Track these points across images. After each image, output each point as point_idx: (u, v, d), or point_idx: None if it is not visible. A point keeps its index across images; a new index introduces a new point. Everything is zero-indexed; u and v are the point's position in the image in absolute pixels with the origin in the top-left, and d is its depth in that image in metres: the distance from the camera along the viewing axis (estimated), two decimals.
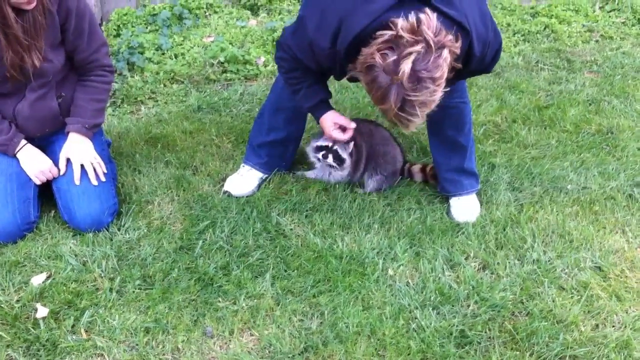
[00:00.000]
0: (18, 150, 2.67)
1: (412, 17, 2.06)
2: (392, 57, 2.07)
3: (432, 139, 2.91)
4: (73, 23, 2.58)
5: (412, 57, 2.04)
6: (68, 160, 2.72)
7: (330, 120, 2.71)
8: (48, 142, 2.80)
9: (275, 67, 4.19)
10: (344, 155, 2.86)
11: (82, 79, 2.78)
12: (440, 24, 2.09)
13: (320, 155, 2.89)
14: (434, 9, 2.13)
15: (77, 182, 2.68)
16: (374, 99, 2.19)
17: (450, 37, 2.10)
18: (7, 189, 2.62)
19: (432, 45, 2.04)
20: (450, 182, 2.93)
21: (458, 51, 2.14)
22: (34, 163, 2.68)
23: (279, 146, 3.01)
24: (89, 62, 2.73)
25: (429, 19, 2.06)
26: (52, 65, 2.59)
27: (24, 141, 2.68)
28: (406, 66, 2.03)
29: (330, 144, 2.84)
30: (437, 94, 2.12)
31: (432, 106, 2.16)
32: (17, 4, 2.31)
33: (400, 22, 2.07)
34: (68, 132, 2.75)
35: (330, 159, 2.86)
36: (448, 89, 2.16)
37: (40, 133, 2.75)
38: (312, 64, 2.45)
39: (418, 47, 2.04)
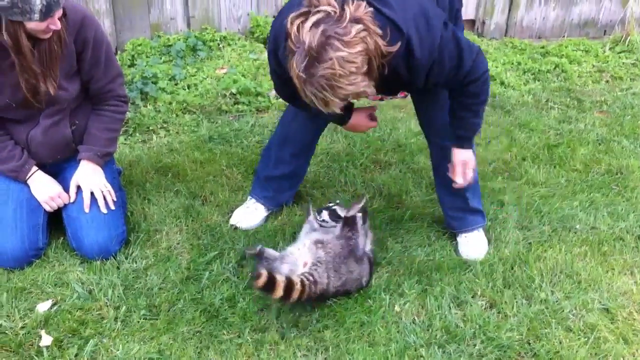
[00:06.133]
0: (29, 177, 2.69)
1: None
2: (302, 22, 1.93)
3: (435, 178, 2.93)
4: (90, 53, 2.62)
5: (319, 15, 1.90)
6: (78, 187, 2.74)
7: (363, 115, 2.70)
8: (60, 169, 2.83)
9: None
10: (341, 213, 2.66)
11: (96, 107, 2.81)
12: (371, 15, 1.98)
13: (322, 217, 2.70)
14: (369, 4, 2.03)
15: (86, 209, 2.70)
16: (289, 70, 2.00)
17: (373, 21, 1.97)
18: (16, 214, 2.64)
19: (347, 15, 1.90)
20: (454, 219, 2.93)
21: (383, 43, 2.00)
22: (44, 189, 2.70)
23: (286, 181, 3.01)
24: (104, 92, 2.76)
25: (357, 1, 1.96)
26: (67, 93, 2.62)
27: (35, 167, 2.70)
28: (311, 21, 1.89)
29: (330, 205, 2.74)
30: (345, 55, 1.91)
31: (345, 83, 1.95)
32: (34, 31, 2.35)
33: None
34: (80, 160, 2.77)
35: (324, 215, 2.69)
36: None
37: (52, 160, 2.77)
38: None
39: (328, 8, 1.91)
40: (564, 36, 5.83)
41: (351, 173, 3.44)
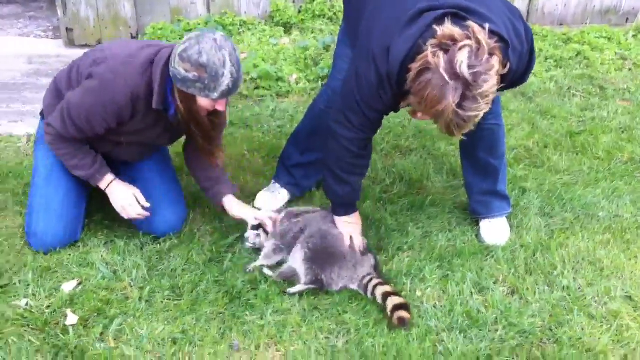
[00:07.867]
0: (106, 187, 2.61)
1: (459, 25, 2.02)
2: (445, 54, 1.97)
3: (464, 161, 2.89)
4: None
5: (467, 50, 1.94)
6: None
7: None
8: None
9: (307, 85, 4.25)
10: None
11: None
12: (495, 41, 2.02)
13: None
14: (480, 25, 2.04)
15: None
16: (429, 101, 2.02)
17: (500, 50, 2.02)
18: (64, 203, 2.64)
19: (485, 46, 1.96)
20: (481, 204, 2.92)
21: (502, 70, 2.06)
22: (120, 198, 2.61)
23: (313, 167, 3.02)
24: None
25: (477, 26, 1.99)
26: None
27: (110, 176, 2.61)
28: (462, 57, 1.93)
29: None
30: (493, 90, 2.00)
31: (482, 115, 2.03)
32: (200, 107, 2.37)
33: (449, 26, 2.01)
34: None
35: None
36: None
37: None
38: (379, 115, 2.40)
39: (470, 42, 1.95)
40: (585, 23, 5.76)
41: (372, 158, 3.41)
